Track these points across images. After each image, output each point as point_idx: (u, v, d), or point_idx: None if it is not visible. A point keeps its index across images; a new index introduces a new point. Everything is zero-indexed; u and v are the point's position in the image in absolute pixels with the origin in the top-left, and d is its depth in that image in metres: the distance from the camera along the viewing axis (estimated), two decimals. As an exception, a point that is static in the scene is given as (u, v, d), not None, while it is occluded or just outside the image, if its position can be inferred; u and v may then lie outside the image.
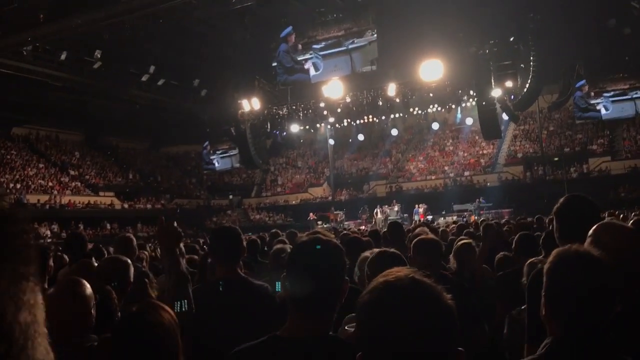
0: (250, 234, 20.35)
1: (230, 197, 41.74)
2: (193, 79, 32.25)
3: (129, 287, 3.38)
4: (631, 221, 4.73)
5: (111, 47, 26.53)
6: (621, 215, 10.34)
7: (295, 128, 28.87)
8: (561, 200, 2.95)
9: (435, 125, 32.71)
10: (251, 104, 26.02)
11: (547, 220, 7.98)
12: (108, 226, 32.41)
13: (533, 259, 3.67)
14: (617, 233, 2.39)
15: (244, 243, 3.35)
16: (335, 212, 30.94)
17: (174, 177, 43.98)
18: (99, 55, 27.24)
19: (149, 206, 37.21)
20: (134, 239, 4.81)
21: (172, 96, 33.03)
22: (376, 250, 3.23)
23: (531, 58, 23.29)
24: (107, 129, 39.59)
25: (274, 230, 7.78)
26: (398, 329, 1.13)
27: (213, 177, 42.52)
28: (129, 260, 3.52)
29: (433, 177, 36.28)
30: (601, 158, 31.46)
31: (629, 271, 2.22)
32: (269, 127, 28.26)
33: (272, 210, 39.56)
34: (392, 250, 3.06)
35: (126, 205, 36.06)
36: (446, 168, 36.83)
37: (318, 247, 1.85)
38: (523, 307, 3.21)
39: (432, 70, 22.91)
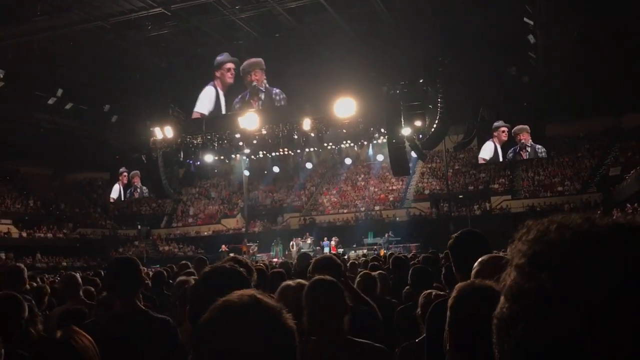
0: (158, 265, 19.71)
1: (139, 227, 40.27)
2: (104, 104, 31.20)
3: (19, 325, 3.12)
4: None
5: (16, 67, 25.24)
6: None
7: (209, 158, 28.53)
8: (455, 235, 3.11)
9: (348, 161, 33.43)
10: (164, 132, 25.50)
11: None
12: (3, 256, 30.25)
13: (429, 290, 3.81)
14: (500, 265, 2.56)
15: (143, 274, 3.25)
16: (248, 244, 30.61)
17: (78, 205, 41.92)
18: (1, 75, 25.79)
19: (49, 235, 35.15)
20: (25, 270, 4.53)
21: (81, 121, 31.71)
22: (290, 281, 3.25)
23: (439, 100, 24.52)
24: (8, 153, 37.26)
25: (183, 262, 7.59)
26: (236, 348, 1.11)
27: (120, 206, 40.92)
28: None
29: (345, 211, 36.88)
30: (502, 196, 33.34)
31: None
32: (182, 156, 27.75)
33: (182, 241, 38.53)
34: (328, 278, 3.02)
35: (24, 234, 33.89)
36: (358, 202, 37.60)
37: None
38: (418, 340, 3.32)
39: (345, 107, 23.52)
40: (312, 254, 11.84)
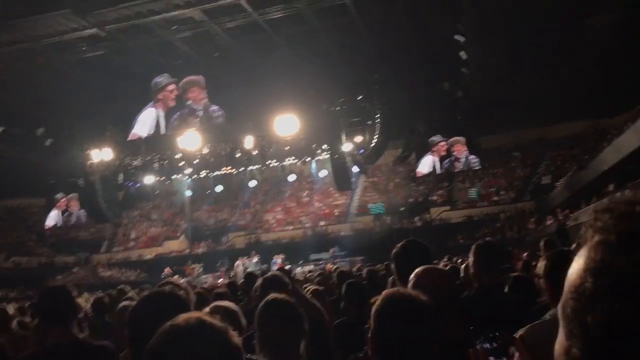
0: (100, 291, 19.10)
1: (77, 253, 38.86)
2: (37, 127, 30.11)
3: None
4: (447, 266, 5.23)
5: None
6: (459, 260, 11.18)
7: (149, 179, 28.00)
8: (398, 245, 3.24)
9: (291, 177, 33.54)
10: (102, 155, 24.90)
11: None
12: None
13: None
14: (434, 276, 2.72)
15: (76, 302, 3.21)
16: (192, 266, 30.10)
17: (11, 233, 40.10)
18: None
19: (-20, 265, 33.47)
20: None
21: (12, 145, 30.46)
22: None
23: (377, 115, 25.10)
24: None
25: (120, 287, 7.46)
26: None
27: (57, 233, 39.42)
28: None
29: (291, 228, 36.88)
30: (441, 208, 34.23)
31: (445, 312, 2.52)
32: (121, 178, 27.13)
33: (124, 265, 37.40)
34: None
35: (-47, 265, 32.14)
36: (303, 218, 37.68)
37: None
38: (361, 355, 3.42)
39: (287, 124, 23.71)
40: (259, 272, 11.84)
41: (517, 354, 1.59)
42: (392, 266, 3.15)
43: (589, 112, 31.35)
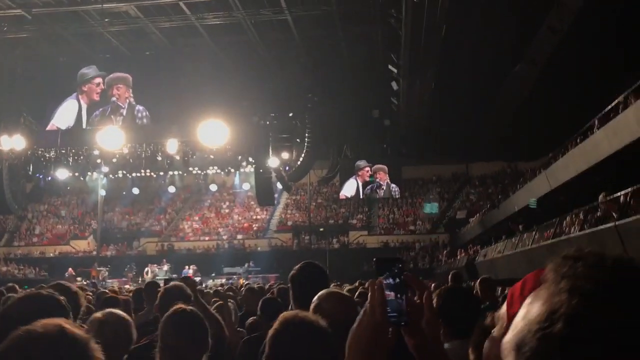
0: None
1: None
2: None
3: None
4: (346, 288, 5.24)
5: None
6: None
7: (62, 174, 26.66)
8: (296, 266, 3.17)
9: (213, 187, 32.99)
10: (12, 142, 23.43)
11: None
12: None
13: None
14: (336, 300, 2.67)
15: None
16: (98, 269, 28.79)
17: None
18: None
19: None
20: None
21: None
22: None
23: (306, 134, 25.21)
24: None
25: (10, 284, 6.95)
26: None
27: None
28: None
29: (207, 238, 36.18)
30: (359, 232, 34.73)
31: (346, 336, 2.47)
32: (31, 169, 25.65)
33: (24, 262, 35.22)
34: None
35: None
36: (220, 230, 37.09)
37: None
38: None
39: (214, 133, 23.27)
40: (162, 281, 11.42)
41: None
42: (290, 288, 3.08)
43: (508, 154, 33.00)
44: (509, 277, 14.40)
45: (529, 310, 0.70)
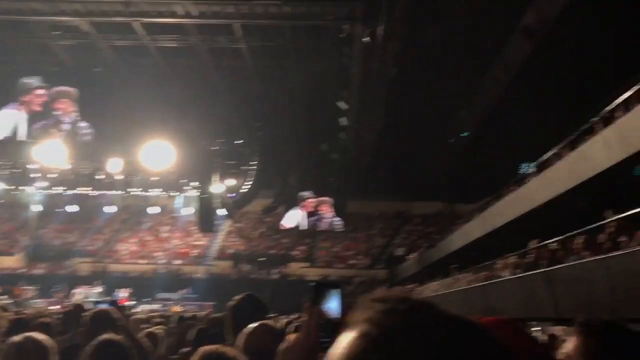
0: None
1: None
2: None
3: None
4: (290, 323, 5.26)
5: None
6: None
7: (-6, 186, 25.51)
8: (237, 297, 3.20)
9: (154, 209, 32.30)
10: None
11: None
12: None
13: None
14: (265, 334, 2.72)
15: None
16: (24, 288, 27.45)
17: None
18: None
19: None
20: None
21: None
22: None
23: (253, 163, 25.21)
24: None
25: None
26: None
27: None
28: None
29: (143, 262, 35.20)
30: (300, 263, 34.61)
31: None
32: (-40, 180, 24.47)
33: (-59, 277, 33.18)
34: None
35: None
36: (158, 254, 36.18)
37: None
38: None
39: (160, 154, 22.93)
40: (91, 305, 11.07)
41: None
42: (228, 318, 3.10)
43: (448, 195, 33.90)
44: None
45: (334, 352, 0.72)
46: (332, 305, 1.23)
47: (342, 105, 22.97)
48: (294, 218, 31.91)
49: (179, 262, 35.20)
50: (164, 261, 35.09)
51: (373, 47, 17.12)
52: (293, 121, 26.44)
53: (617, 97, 11.18)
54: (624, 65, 15.03)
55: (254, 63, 23.50)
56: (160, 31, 20.92)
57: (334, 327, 1.17)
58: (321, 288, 1.23)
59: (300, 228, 32.41)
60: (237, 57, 23.13)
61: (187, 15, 18.14)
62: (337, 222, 30.25)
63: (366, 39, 16.74)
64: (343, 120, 24.80)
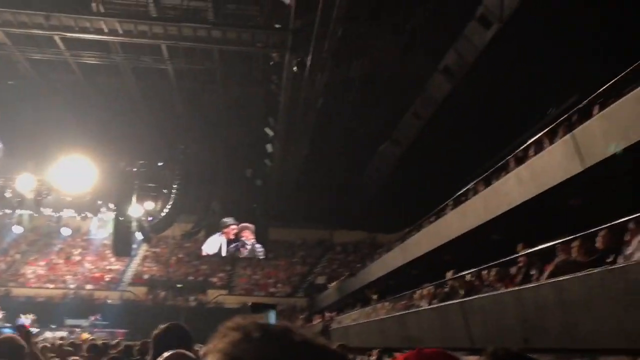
0: None
1: None
2: None
3: None
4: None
5: None
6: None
7: None
8: (161, 326, 3.12)
9: (66, 231, 30.77)
10: None
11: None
12: None
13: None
14: None
15: None
16: None
17: None
18: None
19: None
20: None
21: None
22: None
23: (174, 186, 24.65)
24: None
25: None
26: None
27: None
28: None
29: (51, 286, 33.28)
30: (219, 290, 33.91)
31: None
32: None
33: None
34: None
35: None
36: (68, 278, 34.36)
37: None
38: None
39: (75, 174, 22.00)
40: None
41: None
42: (151, 347, 3.01)
43: (369, 225, 34.47)
44: (361, 346, 14.80)
45: None
46: None
47: (269, 131, 23.02)
48: (213, 244, 31.37)
49: (90, 286, 33.56)
50: (74, 285, 33.35)
51: (301, 77, 17.35)
52: (218, 145, 26.16)
53: (530, 137, 11.91)
54: (535, 108, 16.08)
55: (179, 84, 23.16)
56: (82, 47, 20.21)
57: None
58: (258, 308, 1.26)
59: (220, 255, 31.90)
60: (162, 78, 22.72)
61: (112, 32, 17.65)
62: (259, 249, 30.00)
63: (295, 68, 16.96)
64: (269, 147, 24.82)
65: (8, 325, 25.21)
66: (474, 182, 14.51)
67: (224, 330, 0.74)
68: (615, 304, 6.43)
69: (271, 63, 18.79)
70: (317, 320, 26.53)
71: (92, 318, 27.71)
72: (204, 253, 30.88)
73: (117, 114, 23.77)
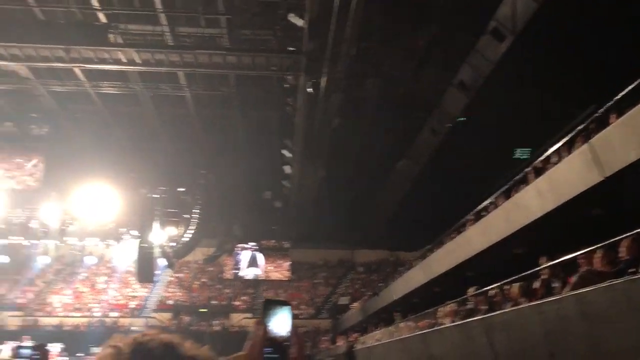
0: None
1: None
2: None
3: None
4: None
5: None
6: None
7: None
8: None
9: (90, 259, 31.10)
10: None
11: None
12: None
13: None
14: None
15: None
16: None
17: None
18: None
19: None
20: None
21: None
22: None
23: (196, 211, 24.83)
24: None
25: None
26: None
27: None
28: None
29: (78, 315, 33.56)
30: (242, 314, 33.83)
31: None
32: None
33: None
34: None
35: None
36: (94, 306, 34.63)
37: None
38: None
39: (98, 203, 22.35)
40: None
41: None
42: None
43: (391, 243, 34.24)
44: (386, 366, 14.60)
45: None
46: (280, 321, 1.31)
47: (286, 153, 23.15)
48: (237, 268, 31.46)
49: (115, 314, 33.77)
50: (99, 313, 33.60)
51: (316, 98, 17.49)
52: (236, 169, 26.35)
53: (548, 148, 11.77)
54: (552, 120, 15.94)
55: (197, 111, 23.47)
56: (102, 77, 20.67)
57: (280, 343, 1.27)
58: (271, 305, 1.32)
59: (243, 278, 31.93)
60: (181, 105, 23.06)
61: (130, 62, 18.04)
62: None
63: (309, 90, 17.10)
64: (287, 169, 24.94)
65: (27, 345, 25.41)
66: (494, 195, 14.35)
67: (103, 347, 0.81)
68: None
69: (286, 86, 18.97)
70: (340, 342, 26.27)
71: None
72: (227, 276, 30.89)
73: (137, 141, 24.15)
